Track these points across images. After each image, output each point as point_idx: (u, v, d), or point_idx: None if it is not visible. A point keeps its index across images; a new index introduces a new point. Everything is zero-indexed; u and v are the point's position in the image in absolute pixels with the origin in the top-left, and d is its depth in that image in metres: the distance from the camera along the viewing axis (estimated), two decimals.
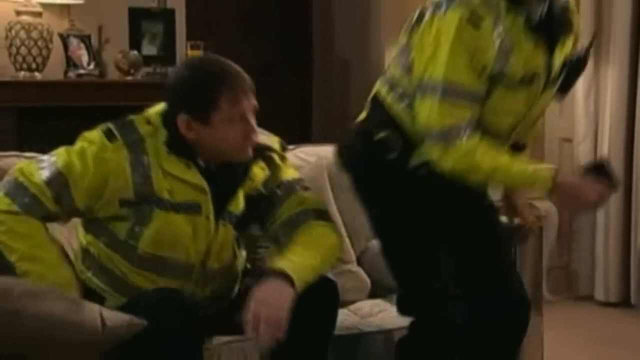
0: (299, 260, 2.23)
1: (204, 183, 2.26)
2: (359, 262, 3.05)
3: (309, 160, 3.05)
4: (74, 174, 2.22)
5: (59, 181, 2.22)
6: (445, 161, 2.22)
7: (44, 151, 2.92)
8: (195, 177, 2.26)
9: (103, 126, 2.26)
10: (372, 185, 2.39)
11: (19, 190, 2.24)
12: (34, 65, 4.01)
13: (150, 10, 4.28)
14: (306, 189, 2.41)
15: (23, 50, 3.99)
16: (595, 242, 4.63)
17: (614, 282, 4.51)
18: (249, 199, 2.34)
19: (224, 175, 2.31)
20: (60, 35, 4.14)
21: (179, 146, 2.25)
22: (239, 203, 2.33)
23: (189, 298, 2.25)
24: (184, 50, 4.30)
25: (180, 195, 2.25)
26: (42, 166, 2.25)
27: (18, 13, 4.02)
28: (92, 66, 4.15)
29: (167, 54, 4.29)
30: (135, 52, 4.17)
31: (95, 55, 4.18)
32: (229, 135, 2.23)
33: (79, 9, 4.14)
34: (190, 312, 2.19)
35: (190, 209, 2.26)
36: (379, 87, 2.39)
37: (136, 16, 4.26)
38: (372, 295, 3.01)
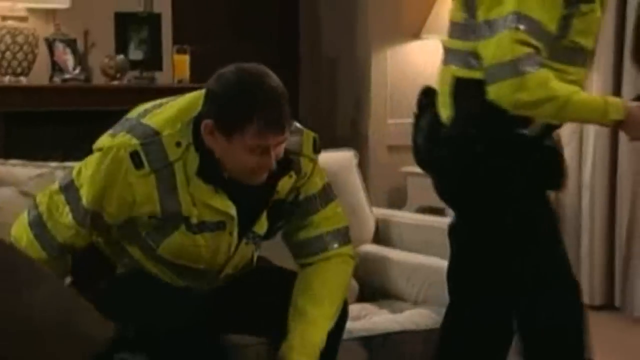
0: (318, 336, 2.26)
1: (231, 209, 2.24)
2: None
3: None
4: (105, 207, 2.20)
5: (92, 215, 2.22)
6: (521, 93, 2.21)
7: (31, 157, 2.90)
8: (223, 203, 2.22)
9: (128, 144, 2.15)
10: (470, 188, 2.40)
11: (47, 237, 2.27)
12: (19, 70, 4.00)
13: (137, 14, 4.27)
14: (329, 200, 2.37)
15: (8, 55, 3.98)
16: (581, 245, 4.66)
17: (599, 285, 4.54)
18: (271, 209, 2.32)
19: (251, 196, 2.25)
20: (46, 40, 4.12)
21: (209, 171, 2.19)
22: (264, 224, 2.32)
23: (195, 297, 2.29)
24: (171, 55, 4.30)
25: (207, 217, 2.23)
26: (70, 207, 2.23)
27: (3, 18, 4.01)
28: (77, 71, 4.13)
29: (153, 59, 4.28)
30: (122, 56, 4.16)
31: (81, 60, 4.17)
32: (244, 162, 2.17)
33: (65, 14, 4.13)
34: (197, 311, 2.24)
35: (216, 228, 2.26)
36: (457, 73, 2.38)
37: (122, 21, 4.25)
38: (360, 299, 3.04)
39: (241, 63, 2.19)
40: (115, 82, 4.13)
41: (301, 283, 2.33)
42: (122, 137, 2.19)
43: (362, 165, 4.82)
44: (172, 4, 4.40)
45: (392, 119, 4.93)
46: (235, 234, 2.26)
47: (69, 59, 4.12)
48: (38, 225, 2.27)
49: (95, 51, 4.24)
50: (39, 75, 4.10)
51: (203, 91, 2.22)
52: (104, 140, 2.23)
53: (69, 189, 2.25)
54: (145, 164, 2.16)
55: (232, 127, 2.12)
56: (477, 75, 2.31)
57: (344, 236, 2.38)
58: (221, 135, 2.14)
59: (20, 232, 2.29)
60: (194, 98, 2.25)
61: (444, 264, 2.63)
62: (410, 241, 3.21)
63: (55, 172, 2.77)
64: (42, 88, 4.06)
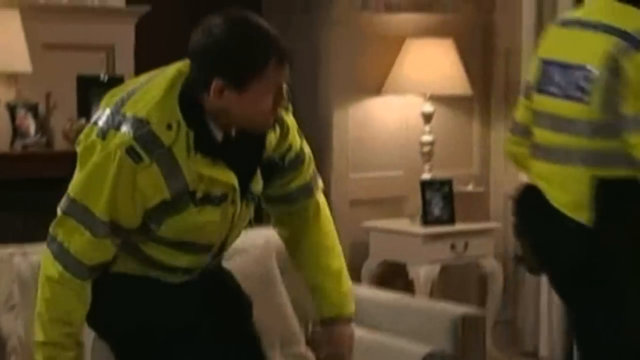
0: (339, 289, 2.44)
1: (233, 179, 2.26)
2: (307, 343, 3.09)
3: (257, 244, 3.09)
4: (121, 212, 2.19)
5: (111, 227, 2.21)
6: None
7: None
8: (225, 174, 2.24)
9: (122, 143, 2.15)
10: None
11: (75, 264, 2.25)
12: None
13: (99, 77, 4.29)
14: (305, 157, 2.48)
15: None
16: (540, 297, 4.72)
17: (559, 338, 4.59)
18: (263, 166, 2.38)
19: (245, 157, 2.29)
20: (7, 105, 4.13)
21: (204, 143, 2.21)
22: (259, 181, 2.37)
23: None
24: None
25: (212, 191, 2.24)
26: (85, 226, 2.21)
27: None
28: (39, 135, 4.13)
29: None
30: (83, 120, 4.17)
31: (42, 124, 4.17)
32: (262, 106, 2.19)
33: (27, 78, 4.14)
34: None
35: (219, 200, 2.28)
36: (597, 172, 2.55)
37: (85, 84, 4.27)
38: None
39: (215, 14, 2.18)
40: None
41: (307, 242, 2.48)
42: (114, 136, 2.18)
43: None
44: (134, 66, 4.41)
45: (353, 174, 4.97)
46: (237, 201, 2.31)
47: (30, 124, 4.12)
48: (63, 254, 2.24)
49: (57, 113, 4.25)
50: (0, 142, 4.10)
51: (180, 64, 2.22)
52: (94, 143, 2.22)
53: (75, 210, 2.23)
54: (144, 156, 2.16)
55: (248, 76, 2.13)
56: (623, 172, 2.44)
57: (317, 175, 2.52)
58: (233, 89, 2.15)
59: (51, 269, 2.25)
60: (171, 75, 2.24)
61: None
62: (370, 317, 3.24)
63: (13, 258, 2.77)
64: (2, 156, 4.05)
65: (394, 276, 4.83)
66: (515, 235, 2.83)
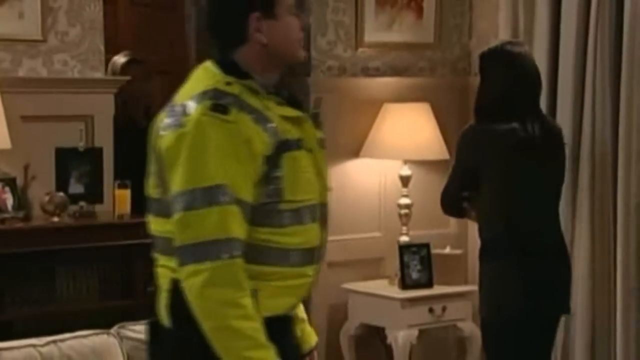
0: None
1: (299, 112, 2.32)
2: None
3: None
4: (242, 194, 2.18)
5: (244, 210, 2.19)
6: None
7: None
8: (292, 110, 2.31)
9: (203, 107, 2.18)
10: None
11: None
12: None
13: (77, 149, 4.31)
14: None
15: None
16: None
17: None
18: None
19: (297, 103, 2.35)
20: None
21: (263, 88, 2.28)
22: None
23: None
24: (112, 189, 4.33)
25: (291, 132, 2.27)
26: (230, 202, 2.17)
27: None
28: (17, 209, 4.14)
29: (94, 192, 4.32)
30: (61, 193, 4.18)
31: (20, 196, 4.18)
32: (293, 26, 2.32)
33: (5, 152, 4.15)
34: None
35: (298, 145, 2.29)
36: None
37: (63, 156, 4.28)
38: None
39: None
40: (55, 219, 4.14)
41: None
42: (189, 115, 2.19)
43: None
44: (114, 138, 4.44)
45: (332, 236, 4.96)
46: (314, 147, 2.33)
47: (8, 198, 4.13)
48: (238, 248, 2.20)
49: (36, 185, 4.26)
50: None
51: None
52: (178, 135, 2.19)
53: (210, 195, 2.18)
54: (227, 106, 2.20)
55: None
56: None
57: None
58: (269, 18, 2.29)
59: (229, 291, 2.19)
60: (201, 68, 2.32)
61: None
62: None
63: None
64: None
65: (372, 339, 4.85)
66: None
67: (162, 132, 2.25)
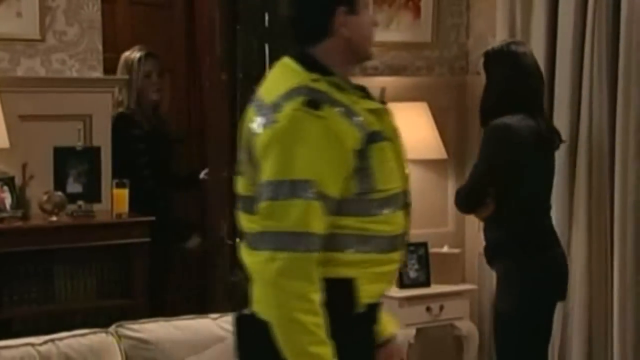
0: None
1: (379, 104, 2.39)
2: None
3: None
4: (329, 189, 2.24)
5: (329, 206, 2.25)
6: None
7: None
8: (373, 103, 2.37)
9: (296, 103, 2.23)
10: None
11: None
12: None
13: (75, 148, 4.31)
14: None
15: None
16: None
17: None
18: None
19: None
20: None
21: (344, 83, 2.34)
22: None
23: None
24: (110, 187, 4.33)
25: (375, 124, 2.33)
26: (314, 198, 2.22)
27: None
28: (15, 208, 4.14)
29: (92, 192, 4.32)
30: (60, 193, 4.18)
31: (18, 195, 4.18)
32: (369, 22, 2.41)
33: (4, 151, 4.15)
34: None
35: (385, 135, 2.36)
36: None
37: (61, 155, 4.28)
38: None
39: None
40: (54, 218, 4.14)
41: None
42: (283, 112, 2.25)
43: None
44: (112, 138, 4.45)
45: None
46: (393, 138, 2.39)
47: (6, 197, 4.13)
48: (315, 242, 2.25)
49: (34, 184, 4.26)
50: None
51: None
52: (272, 132, 2.24)
53: (296, 188, 2.23)
54: (319, 101, 2.25)
55: None
56: None
57: None
58: (352, 13, 2.35)
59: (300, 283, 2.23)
60: (280, 69, 2.39)
61: None
62: None
63: None
64: None
65: None
66: None
67: (256, 131, 2.30)
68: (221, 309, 3.46)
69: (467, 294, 4.94)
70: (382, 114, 2.38)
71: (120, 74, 4.74)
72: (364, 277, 2.33)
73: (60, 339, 3.03)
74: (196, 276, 5.47)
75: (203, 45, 5.66)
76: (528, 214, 3.87)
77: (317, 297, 2.23)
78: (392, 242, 2.39)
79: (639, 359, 4.27)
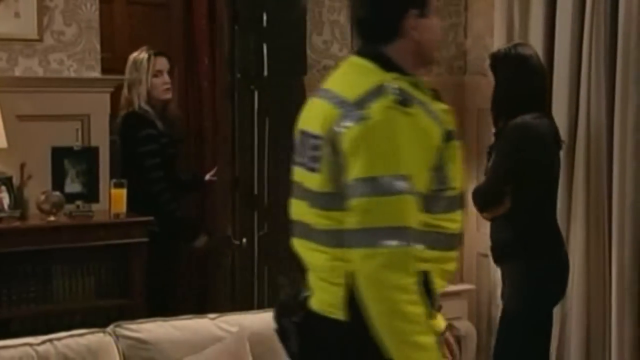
0: None
1: (446, 105, 2.43)
2: None
3: (231, 330, 3.11)
4: (419, 185, 2.27)
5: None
6: None
7: None
8: (442, 104, 2.40)
9: (387, 100, 2.26)
10: None
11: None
12: None
13: (73, 148, 4.31)
14: None
15: None
16: None
17: None
18: None
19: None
20: None
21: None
22: None
23: None
24: (108, 187, 4.33)
25: (449, 123, 2.38)
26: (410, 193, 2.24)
27: None
28: (13, 208, 4.14)
29: (90, 192, 4.33)
30: (58, 193, 4.19)
31: (16, 195, 4.18)
32: (437, 27, 2.49)
33: (2, 153, 4.15)
34: None
35: (455, 134, 2.40)
36: None
37: (59, 155, 4.28)
38: None
39: None
40: (52, 218, 4.14)
41: None
42: (372, 108, 2.26)
43: None
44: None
45: None
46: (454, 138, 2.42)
47: (4, 197, 4.13)
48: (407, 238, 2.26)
49: (32, 184, 4.26)
50: None
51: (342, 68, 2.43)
52: (365, 129, 2.25)
53: (394, 183, 2.24)
54: (408, 98, 2.28)
55: None
56: None
57: None
58: (423, 16, 2.41)
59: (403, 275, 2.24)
60: (354, 67, 2.41)
61: None
62: None
63: None
64: None
65: None
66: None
67: (340, 129, 2.29)
68: (225, 309, 3.46)
69: (465, 294, 4.95)
70: (448, 114, 2.42)
71: (128, 74, 4.71)
72: (434, 273, 2.35)
73: (59, 339, 3.03)
74: (198, 276, 5.47)
75: (201, 45, 5.67)
76: (541, 213, 3.91)
77: (417, 288, 2.24)
78: (454, 241, 2.42)
79: (637, 358, 4.28)
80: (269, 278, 5.00)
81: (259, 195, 5.06)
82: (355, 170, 2.26)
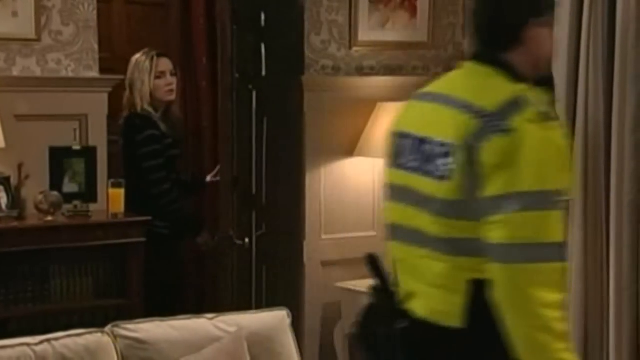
0: None
1: None
2: None
3: (229, 330, 3.11)
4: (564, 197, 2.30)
5: None
6: None
7: None
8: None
9: (532, 115, 2.27)
10: None
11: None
12: None
13: (71, 148, 4.31)
14: None
15: None
16: None
17: None
18: None
19: None
20: None
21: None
22: None
23: None
24: (106, 187, 4.33)
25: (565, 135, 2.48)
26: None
27: None
28: (11, 208, 4.14)
29: (88, 192, 4.33)
30: (56, 192, 4.19)
31: (14, 195, 4.18)
32: (551, 37, 2.49)
33: (0, 153, 4.15)
34: None
35: None
36: None
37: (57, 155, 4.29)
38: None
39: None
40: (50, 218, 4.14)
41: None
42: (515, 120, 2.26)
43: (299, 289, 4.91)
44: (107, 137, 4.44)
45: (326, 235, 5.00)
46: None
47: (2, 197, 4.13)
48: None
49: (30, 184, 4.27)
50: None
51: (458, 71, 2.51)
52: (510, 140, 2.24)
53: (548, 199, 2.25)
54: (549, 112, 2.32)
55: (551, 5, 2.49)
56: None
57: None
58: (541, 26, 2.43)
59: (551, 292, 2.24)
60: (481, 75, 2.43)
61: None
62: None
63: None
64: None
65: None
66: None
67: (482, 141, 2.26)
68: (226, 309, 3.46)
69: None
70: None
71: (130, 76, 4.71)
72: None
73: (57, 339, 3.03)
74: (197, 275, 5.47)
75: (199, 45, 5.67)
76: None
77: (563, 305, 2.25)
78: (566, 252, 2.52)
79: (635, 358, 4.28)
80: (267, 278, 5.00)
81: (256, 195, 5.06)
82: (501, 184, 2.24)
